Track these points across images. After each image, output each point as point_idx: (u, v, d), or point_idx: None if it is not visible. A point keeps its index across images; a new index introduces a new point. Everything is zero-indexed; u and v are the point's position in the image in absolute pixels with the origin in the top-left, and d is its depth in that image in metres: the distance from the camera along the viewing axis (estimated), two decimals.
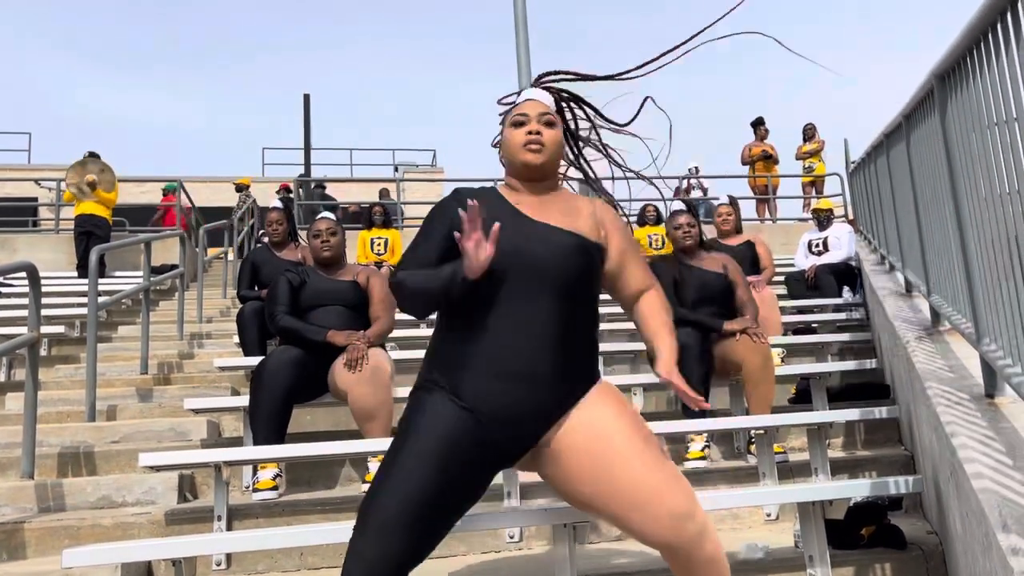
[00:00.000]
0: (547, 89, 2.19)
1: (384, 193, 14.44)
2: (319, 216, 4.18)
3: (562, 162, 2.24)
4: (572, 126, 2.25)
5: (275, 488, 3.55)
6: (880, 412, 3.57)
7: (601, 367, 5.04)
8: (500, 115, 2.22)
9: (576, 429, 1.92)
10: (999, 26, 1.85)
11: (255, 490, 3.55)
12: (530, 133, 2.05)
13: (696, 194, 13.52)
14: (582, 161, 2.27)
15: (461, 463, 1.87)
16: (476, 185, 2.32)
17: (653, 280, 2.18)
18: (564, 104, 2.21)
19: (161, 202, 12.73)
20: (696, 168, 13.73)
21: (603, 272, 2.12)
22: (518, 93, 2.20)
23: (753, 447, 4.04)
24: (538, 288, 1.93)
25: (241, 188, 12.22)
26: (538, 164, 2.05)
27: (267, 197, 11.83)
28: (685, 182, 13.54)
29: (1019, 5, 1.69)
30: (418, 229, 2.15)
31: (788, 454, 4.02)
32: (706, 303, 4.15)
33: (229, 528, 3.22)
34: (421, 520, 1.81)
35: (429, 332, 5.91)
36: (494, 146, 2.20)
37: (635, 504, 1.85)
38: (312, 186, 14.61)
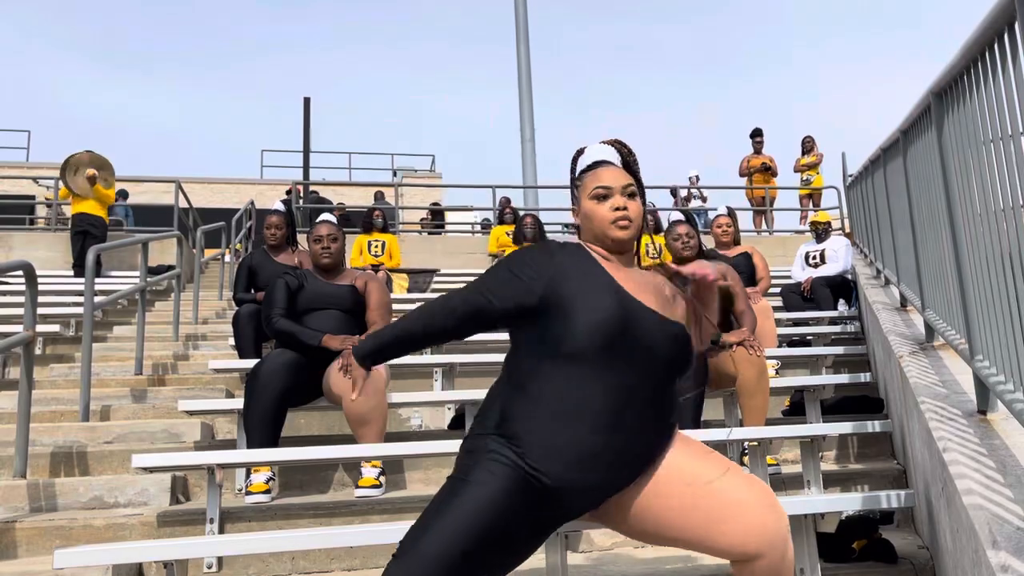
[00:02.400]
0: (617, 148, 2.15)
1: (379, 196, 14.46)
2: (320, 220, 4.15)
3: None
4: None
5: (267, 492, 3.55)
6: (873, 425, 3.58)
7: None
8: (573, 177, 2.16)
9: (642, 483, 1.90)
10: (996, 46, 1.87)
11: (247, 493, 3.54)
12: (618, 209, 2.01)
13: (695, 203, 13.55)
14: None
15: (514, 522, 1.80)
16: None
17: None
18: (633, 167, 2.15)
19: None
20: (696, 177, 13.77)
21: None
22: (581, 151, 2.16)
23: (746, 458, 4.05)
24: (642, 372, 1.89)
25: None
26: (627, 239, 2.02)
27: (267, 200, 11.81)
28: (684, 191, 13.58)
29: (1016, 26, 1.71)
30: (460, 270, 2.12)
31: (781, 466, 4.03)
32: None
33: (221, 531, 3.22)
34: (468, 563, 1.75)
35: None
36: (573, 216, 2.13)
37: (724, 517, 1.84)
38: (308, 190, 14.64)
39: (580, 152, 2.16)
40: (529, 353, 1.92)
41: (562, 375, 1.86)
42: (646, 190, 2.21)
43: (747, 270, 5.58)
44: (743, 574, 1.88)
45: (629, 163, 2.13)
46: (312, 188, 14.84)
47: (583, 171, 2.10)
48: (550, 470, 1.81)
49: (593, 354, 1.85)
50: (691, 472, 1.90)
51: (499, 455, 1.83)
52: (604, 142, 2.15)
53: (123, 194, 12.69)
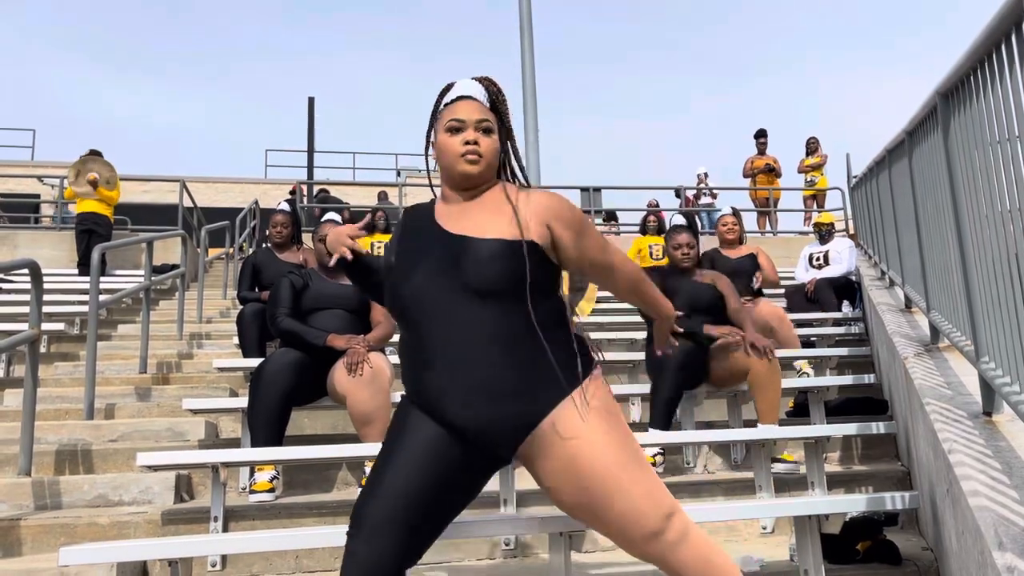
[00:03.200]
0: (484, 85, 2.08)
1: (383, 196, 14.47)
2: (325, 219, 4.17)
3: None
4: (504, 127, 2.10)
5: (271, 490, 3.55)
6: (878, 427, 3.58)
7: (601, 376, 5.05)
8: (435, 111, 2.09)
9: (557, 444, 1.86)
10: (1003, 47, 1.87)
11: (251, 491, 3.55)
12: (468, 143, 1.96)
13: (705, 200, 13.51)
14: (513, 164, 2.14)
15: (450, 463, 1.88)
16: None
17: (621, 256, 2.05)
18: (499, 107, 2.08)
19: None
20: (705, 174, 13.74)
21: (566, 263, 2.02)
22: (450, 86, 2.08)
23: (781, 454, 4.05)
24: (465, 300, 1.87)
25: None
26: (476, 174, 1.98)
27: (271, 199, 11.81)
28: (694, 189, 13.54)
29: (1023, 27, 1.71)
30: None
31: (799, 464, 4.01)
32: (697, 314, 4.15)
33: (225, 529, 3.22)
34: (414, 518, 1.82)
35: None
36: (431, 145, 2.09)
37: (612, 528, 1.88)
38: (316, 191, 14.63)
39: (449, 87, 2.08)
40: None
41: (406, 329, 1.95)
42: (511, 144, 2.12)
43: (752, 270, 5.56)
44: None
45: (496, 102, 2.06)
46: (322, 187, 14.83)
47: (445, 105, 2.04)
48: (437, 412, 1.89)
49: (411, 304, 1.92)
50: (575, 454, 1.86)
51: (411, 409, 1.95)
52: (474, 78, 2.08)
53: None
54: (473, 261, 1.88)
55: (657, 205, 12.52)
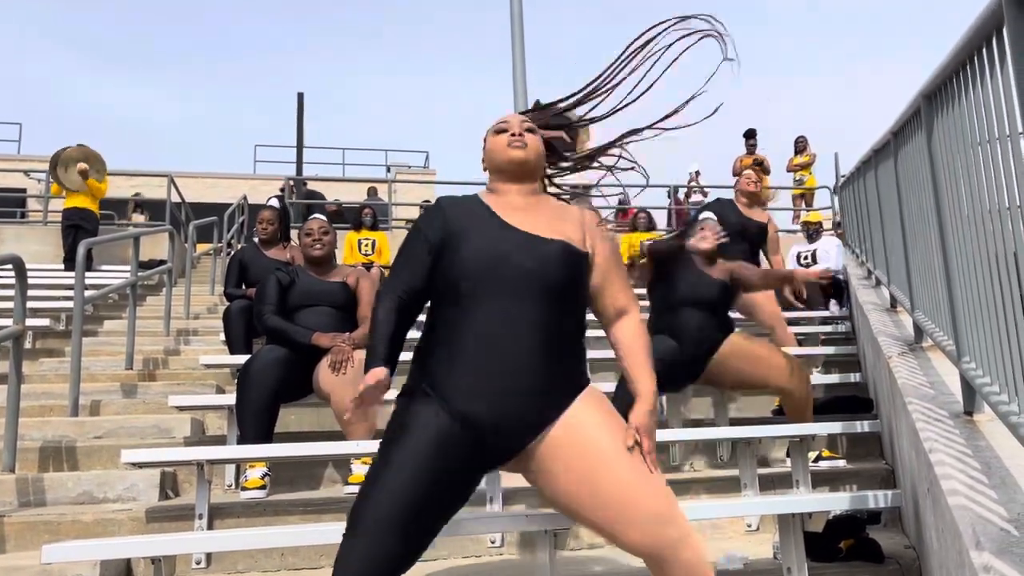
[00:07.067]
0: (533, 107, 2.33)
1: (372, 192, 14.39)
2: (312, 216, 4.21)
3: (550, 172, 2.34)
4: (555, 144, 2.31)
5: (263, 487, 3.54)
6: (862, 426, 3.60)
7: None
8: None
9: (561, 436, 1.94)
10: (984, 50, 1.88)
11: (243, 489, 3.53)
12: (513, 135, 2.15)
13: (696, 198, 13.53)
14: (566, 173, 2.36)
15: (450, 466, 1.89)
16: (468, 187, 2.38)
17: (634, 302, 2.18)
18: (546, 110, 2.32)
19: None
20: (697, 172, 13.74)
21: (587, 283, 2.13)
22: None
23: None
24: (523, 296, 1.95)
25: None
26: (523, 159, 2.12)
27: (260, 195, 11.75)
28: (685, 188, 13.55)
29: (1004, 30, 1.72)
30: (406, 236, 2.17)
31: (844, 460, 4.07)
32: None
33: (210, 527, 3.21)
34: (412, 521, 1.83)
35: (417, 335, 5.91)
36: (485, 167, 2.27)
37: (616, 508, 1.87)
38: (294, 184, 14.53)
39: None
40: (432, 304, 2.07)
41: (452, 312, 1.98)
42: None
43: (758, 239, 5.50)
44: (650, 567, 1.94)
45: (543, 111, 2.29)
46: (301, 182, 14.70)
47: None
48: (456, 401, 1.91)
49: (472, 285, 1.96)
50: (586, 438, 1.92)
51: (418, 405, 1.94)
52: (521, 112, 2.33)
53: None
54: (542, 258, 2.00)
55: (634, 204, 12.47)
